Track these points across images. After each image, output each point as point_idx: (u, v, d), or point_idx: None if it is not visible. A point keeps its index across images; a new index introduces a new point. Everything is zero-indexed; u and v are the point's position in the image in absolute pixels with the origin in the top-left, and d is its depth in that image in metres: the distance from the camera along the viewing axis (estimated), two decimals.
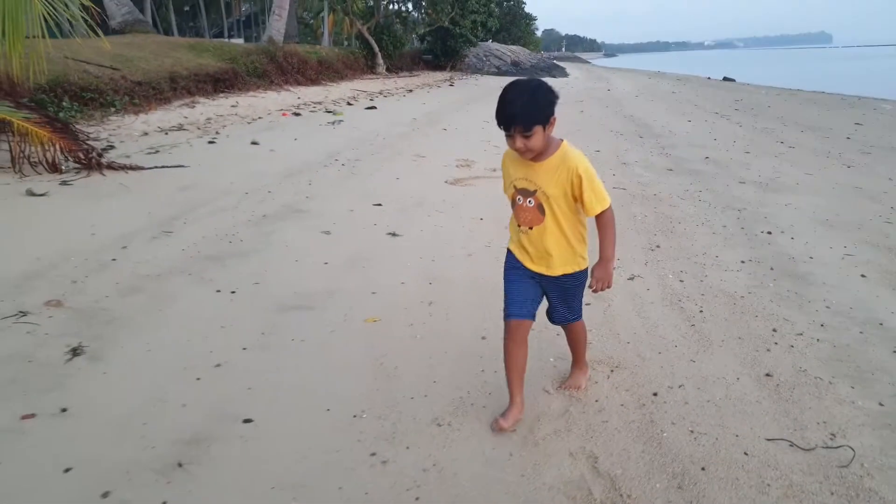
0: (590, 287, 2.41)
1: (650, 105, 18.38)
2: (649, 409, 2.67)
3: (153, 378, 2.71)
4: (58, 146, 5.87)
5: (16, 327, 3.06)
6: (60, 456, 2.18)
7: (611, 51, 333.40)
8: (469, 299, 3.76)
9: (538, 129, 2.13)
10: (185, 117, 10.26)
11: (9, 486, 2.07)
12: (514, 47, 49.90)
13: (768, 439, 2.47)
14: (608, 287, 2.40)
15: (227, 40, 27.95)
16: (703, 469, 2.29)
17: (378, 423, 2.49)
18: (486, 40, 39.71)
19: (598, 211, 2.29)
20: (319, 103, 14.32)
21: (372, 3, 28.70)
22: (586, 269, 2.46)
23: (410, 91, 19.99)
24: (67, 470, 2.12)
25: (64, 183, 5.70)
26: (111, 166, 6.18)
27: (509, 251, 2.51)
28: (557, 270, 2.41)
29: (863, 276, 4.31)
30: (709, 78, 38.92)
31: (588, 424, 2.55)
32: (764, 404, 2.72)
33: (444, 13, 28.65)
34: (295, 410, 2.55)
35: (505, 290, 2.48)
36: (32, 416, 2.39)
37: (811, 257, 4.68)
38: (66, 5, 5.34)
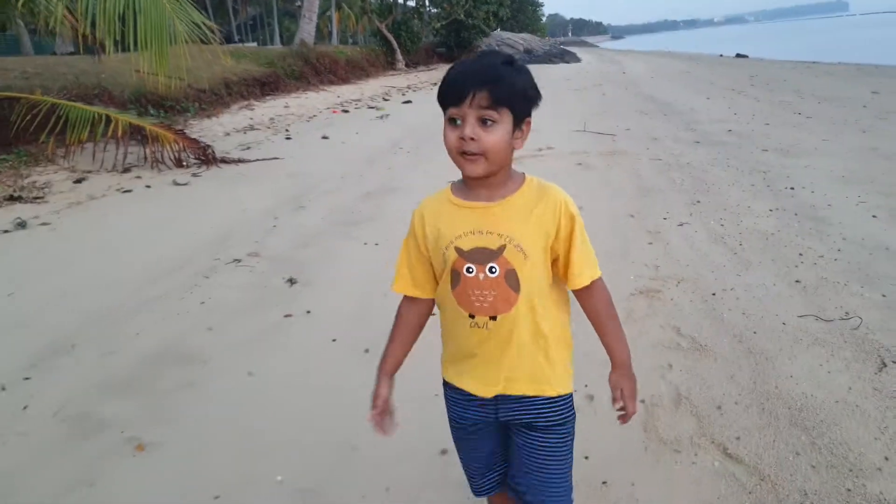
0: (615, 407, 1.50)
1: (667, 85, 19.15)
2: (710, 302, 3.68)
3: (354, 295, 3.81)
4: (182, 145, 7.01)
5: (239, 269, 4.20)
6: (324, 333, 3.29)
7: (618, 33, 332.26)
8: None
9: (506, 116, 1.29)
10: (251, 119, 11.36)
11: (300, 352, 3.19)
12: (524, 35, 50.58)
13: (799, 316, 3.47)
14: (634, 403, 1.50)
15: (241, 44, 29.02)
16: (754, 332, 3.30)
17: None
18: (496, 29, 40.47)
19: (589, 280, 1.39)
20: (359, 100, 15.38)
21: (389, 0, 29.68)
22: (571, 396, 1.50)
23: (435, 84, 20.88)
24: (334, 340, 3.21)
25: (195, 175, 6.83)
26: (224, 160, 7.31)
27: (446, 386, 1.56)
28: (525, 387, 1.43)
29: (874, 216, 5.21)
30: (721, 55, 39.11)
31: (668, 311, 3.57)
32: (795, 298, 3.71)
33: (459, 6, 29.59)
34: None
35: (459, 455, 1.65)
36: (290, 315, 3.50)
37: (829, 205, 5.60)
38: (199, 26, 6.41)
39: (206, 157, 7.20)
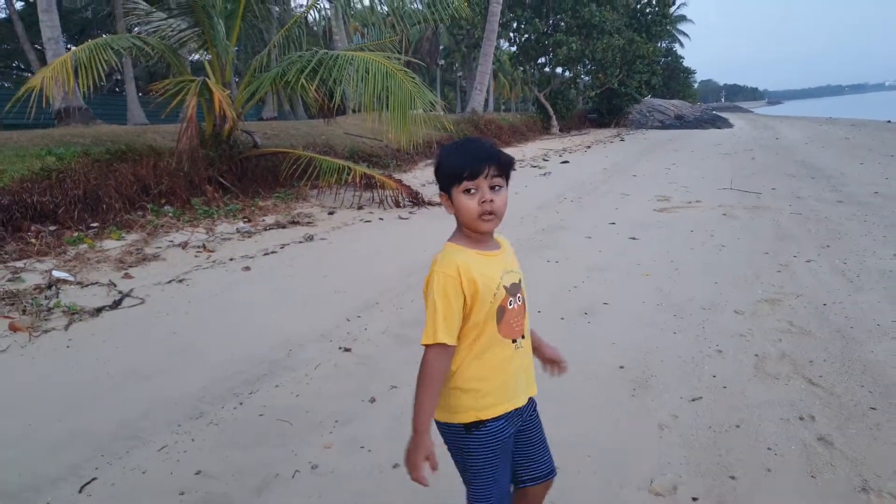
0: (549, 369, 2.05)
1: (821, 151, 19.35)
2: (821, 309, 4.86)
3: (545, 292, 5.36)
4: (401, 191, 9.13)
5: None
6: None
7: (775, 98, 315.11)
8: (698, 271, 6.09)
9: (505, 182, 1.71)
10: None
11: None
12: (675, 101, 51.13)
13: (893, 320, 4.58)
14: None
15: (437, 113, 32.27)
16: (851, 328, 4.47)
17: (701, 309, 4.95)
18: (647, 96, 41.48)
19: None
20: (522, 160, 17.28)
21: (548, 70, 31.95)
22: None
23: (589, 147, 22.54)
24: (539, 311, 4.78)
25: (411, 213, 8.89)
26: (430, 203, 9.34)
27: (483, 424, 1.74)
28: (535, 389, 1.90)
29: None
30: (889, 122, 37.52)
31: (785, 312, 4.81)
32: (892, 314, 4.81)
33: (612, 76, 31.27)
34: (628, 300, 5.07)
35: (497, 485, 1.78)
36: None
37: None
38: (432, 102, 8.59)
39: (417, 199, 9.28)
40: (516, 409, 1.79)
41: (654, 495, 2.63)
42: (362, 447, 3.01)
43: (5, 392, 3.61)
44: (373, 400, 3.51)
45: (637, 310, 4.92)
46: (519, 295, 1.77)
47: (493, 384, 1.73)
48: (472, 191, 1.66)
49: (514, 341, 1.75)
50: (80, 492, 2.62)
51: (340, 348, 4.22)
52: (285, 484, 2.72)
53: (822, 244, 6.98)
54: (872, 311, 4.81)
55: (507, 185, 1.72)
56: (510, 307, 1.73)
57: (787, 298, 5.15)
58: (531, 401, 1.87)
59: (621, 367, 3.84)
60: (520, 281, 1.79)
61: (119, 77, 29.56)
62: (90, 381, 3.66)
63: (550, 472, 1.93)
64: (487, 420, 1.73)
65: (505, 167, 1.69)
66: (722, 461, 2.86)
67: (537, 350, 1.97)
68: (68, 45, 22.18)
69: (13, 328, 4.28)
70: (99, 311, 4.84)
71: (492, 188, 1.67)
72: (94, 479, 2.71)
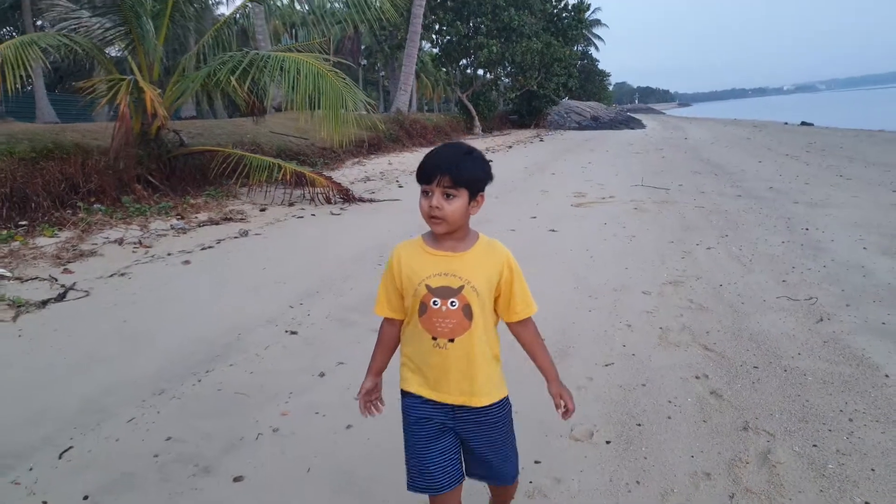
0: (559, 410, 1.97)
1: (725, 150, 20.80)
2: (717, 289, 5.48)
3: None
4: (331, 188, 9.37)
5: None
6: None
7: (685, 100, 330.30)
8: (610, 258, 6.68)
9: (464, 193, 1.75)
10: (365, 172, 13.82)
11: None
12: (591, 103, 53.15)
13: (777, 297, 5.25)
14: (573, 402, 1.97)
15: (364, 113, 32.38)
16: (742, 303, 5.10)
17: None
18: (565, 98, 42.89)
19: (526, 315, 1.91)
20: None
21: (470, 72, 32.68)
22: (508, 397, 1.97)
23: (510, 147, 23.28)
24: None
25: (342, 209, 9.14)
26: (361, 199, 9.62)
27: (406, 395, 1.92)
28: (484, 398, 1.87)
29: (864, 248, 6.87)
30: (786, 123, 40.14)
31: (686, 292, 5.41)
32: (778, 289, 5.46)
33: (532, 78, 32.29)
34: (548, 285, 5.56)
35: (411, 455, 1.90)
36: None
37: (832, 240, 7.25)
38: (357, 101, 8.86)
39: (348, 196, 9.54)
40: (444, 403, 1.86)
41: (574, 441, 3.07)
42: (317, 413, 3.32)
43: None
44: (322, 374, 3.82)
45: (557, 292, 5.41)
46: (453, 300, 1.78)
47: (416, 365, 1.89)
48: (428, 193, 1.76)
49: (433, 338, 1.81)
50: (59, 458, 2.83)
51: (287, 331, 4.49)
52: (250, 444, 3.00)
53: (721, 233, 7.72)
54: (760, 289, 5.48)
55: (469, 196, 1.77)
56: (433, 306, 1.79)
57: (689, 280, 5.77)
58: (477, 412, 1.88)
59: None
60: (460, 288, 1.79)
61: (22, 74, 28.01)
62: (48, 366, 3.80)
63: (500, 480, 2.02)
64: (409, 392, 1.90)
65: (461, 181, 1.73)
66: (630, 412, 3.34)
67: (547, 383, 2.02)
68: None
69: None
70: (45, 303, 4.92)
71: (445, 195, 1.73)
72: (70, 447, 2.91)
